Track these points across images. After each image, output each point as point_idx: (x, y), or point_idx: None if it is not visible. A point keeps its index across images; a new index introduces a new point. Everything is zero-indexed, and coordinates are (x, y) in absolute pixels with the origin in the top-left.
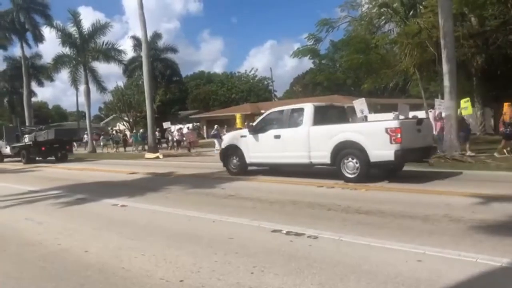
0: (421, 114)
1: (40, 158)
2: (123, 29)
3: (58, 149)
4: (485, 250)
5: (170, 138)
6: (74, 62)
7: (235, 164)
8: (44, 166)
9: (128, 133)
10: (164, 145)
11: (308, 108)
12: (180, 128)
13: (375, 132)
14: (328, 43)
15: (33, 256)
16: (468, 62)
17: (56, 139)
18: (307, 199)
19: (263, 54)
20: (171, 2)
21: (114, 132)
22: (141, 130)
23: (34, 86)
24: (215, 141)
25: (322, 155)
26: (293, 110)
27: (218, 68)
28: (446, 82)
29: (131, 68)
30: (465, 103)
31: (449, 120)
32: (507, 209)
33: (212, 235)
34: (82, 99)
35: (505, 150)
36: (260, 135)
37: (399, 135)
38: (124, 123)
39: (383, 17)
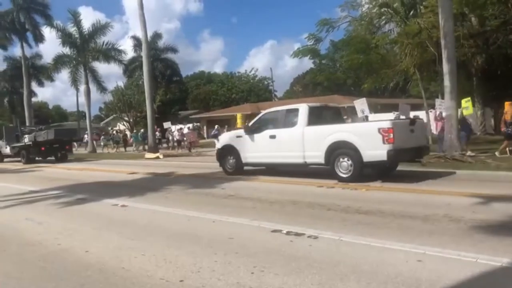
0: (421, 114)
1: (40, 158)
2: (123, 29)
3: (58, 149)
4: (485, 250)
5: (170, 138)
6: (74, 62)
7: (231, 164)
8: (44, 166)
9: (128, 133)
10: (165, 145)
11: (303, 108)
12: (181, 128)
13: (368, 132)
14: (328, 43)
15: (33, 256)
16: (469, 62)
17: (56, 139)
18: (307, 199)
19: (263, 54)
20: (171, 2)
21: (114, 132)
22: (141, 130)
23: (34, 86)
24: (216, 141)
25: (316, 155)
26: (288, 111)
27: (218, 68)
28: (447, 82)
29: (131, 68)
30: (466, 102)
31: (450, 120)
32: (507, 209)
33: (212, 235)
34: (82, 99)
35: (507, 149)
36: (256, 135)
37: (391, 135)
38: (124, 123)
39: (383, 17)
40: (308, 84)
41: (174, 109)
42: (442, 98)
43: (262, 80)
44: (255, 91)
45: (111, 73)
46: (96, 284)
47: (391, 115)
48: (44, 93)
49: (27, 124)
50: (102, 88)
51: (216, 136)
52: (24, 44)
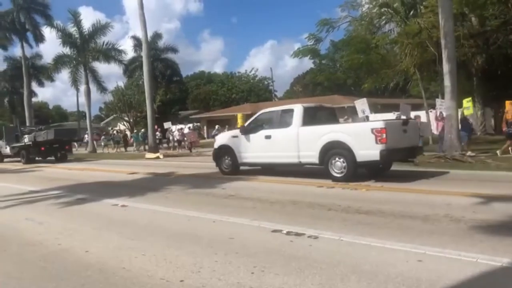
0: (421, 114)
1: (40, 158)
2: (123, 29)
3: (58, 149)
4: (485, 250)
5: (171, 138)
6: (74, 62)
7: (227, 164)
8: (44, 166)
9: (128, 133)
10: (165, 145)
11: (298, 109)
12: (181, 128)
13: (362, 132)
14: (329, 43)
15: (33, 256)
16: (469, 62)
17: (56, 139)
18: (307, 199)
19: (263, 54)
20: (171, 2)
21: (114, 132)
22: (142, 130)
23: (34, 86)
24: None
25: (310, 155)
26: (283, 111)
27: (218, 68)
28: (447, 82)
29: (131, 68)
30: (468, 103)
31: (450, 120)
32: (507, 209)
33: (213, 235)
34: (82, 99)
35: (510, 149)
36: (252, 136)
37: (384, 136)
38: (125, 123)
39: (383, 17)
40: (308, 84)
41: (174, 109)
42: (442, 98)
43: (262, 80)
44: (255, 91)
45: (111, 73)
46: (96, 284)
47: (391, 115)
48: (44, 93)
49: (27, 124)
50: (102, 88)
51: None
52: (24, 44)
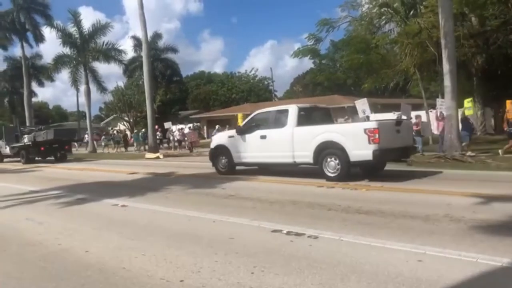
0: (421, 114)
1: (40, 158)
2: (123, 29)
3: (57, 149)
4: (485, 250)
5: (171, 138)
6: (74, 62)
7: (224, 164)
8: (44, 166)
9: (128, 133)
10: (166, 145)
11: (293, 109)
12: (182, 128)
13: (355, 132)
14: (329, 43)
15: (33, 256)
16: (469, 62)
17: (55, 139)
18: (307, 199)
19: (263, 54)
20: (171, 2)
21: (114, 132)
22: (142, 130)
23: (34, 86)
24: None
25: (305, 155)
26: (278, 111)
27: (218, 68)
28: (447, 82)
29: (131, 68)
30: (469, 103)
31: (450, 120)
32: (507, 209)
33: (213, 235)
34: (82, 99)
35: None
36: (247, 136)
37: (377, 136)
38: (125, 123)
39: (383, 17)
40: (308, 84)
41: (174, 109)
42: (443, 98)
43: (262, 80)
44: (255, 91)
45: (111, 73)
46: (96, 284)
47: (392, 115)
48: (44, 93)
49: (27, 124)
50: (102, 88)
51: None
52: (24, 44)
